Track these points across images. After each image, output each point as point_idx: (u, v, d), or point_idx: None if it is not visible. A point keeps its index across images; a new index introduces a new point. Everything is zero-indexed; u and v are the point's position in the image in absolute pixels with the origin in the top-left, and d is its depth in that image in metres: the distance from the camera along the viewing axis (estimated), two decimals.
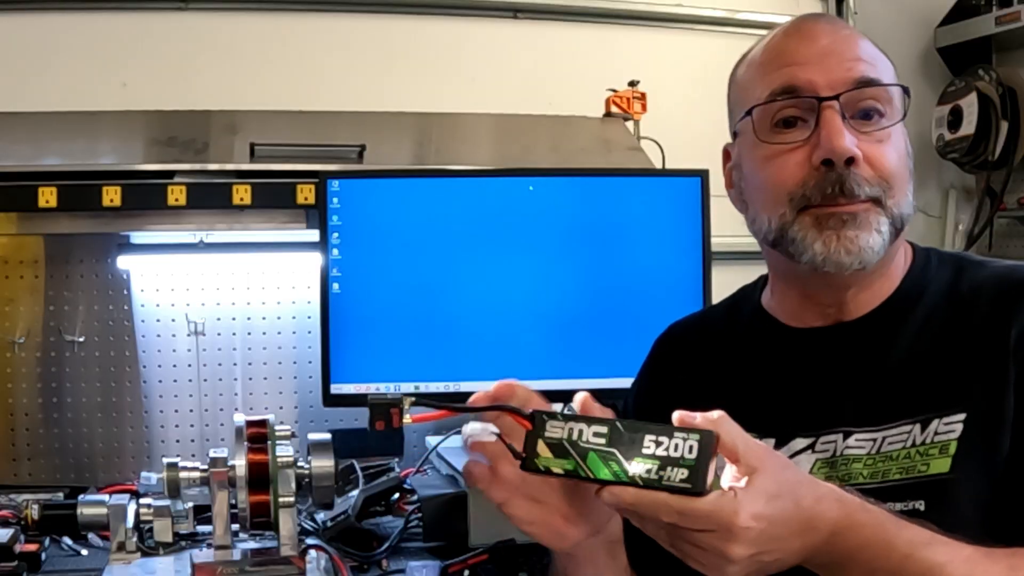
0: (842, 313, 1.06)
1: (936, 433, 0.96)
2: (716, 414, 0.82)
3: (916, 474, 0.95)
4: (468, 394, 1.90)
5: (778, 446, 1.03)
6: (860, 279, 1.03)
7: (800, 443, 1.02)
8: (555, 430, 0.84)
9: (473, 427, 0.90)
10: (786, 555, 0.82)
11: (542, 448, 0.84)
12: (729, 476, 0.81)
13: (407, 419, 0.90)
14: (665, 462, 0.80)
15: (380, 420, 0.93)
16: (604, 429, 0.83)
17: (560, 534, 0.95)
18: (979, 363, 0.97)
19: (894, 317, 1.04)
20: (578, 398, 0.89)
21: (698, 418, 0.82)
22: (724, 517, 0.78)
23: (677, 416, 0.82)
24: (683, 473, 0.79)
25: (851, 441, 1.00)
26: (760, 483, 0.80)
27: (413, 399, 0.91)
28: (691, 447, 0.80)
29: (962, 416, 0.96)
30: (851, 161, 0.98)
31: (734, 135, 1.11)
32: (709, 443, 0.80)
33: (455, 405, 0.91)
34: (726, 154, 1.14)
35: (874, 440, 0.99)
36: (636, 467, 0.81)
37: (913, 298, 1.05)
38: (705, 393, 1.11)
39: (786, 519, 0.81)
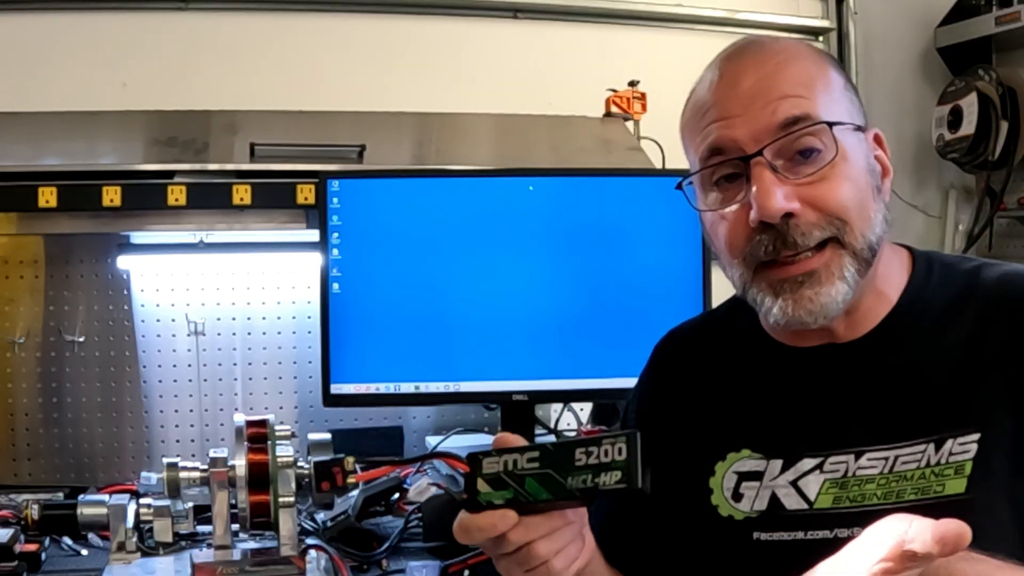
0: (833, 338, 1.04)
1: (951, 453, 0.95)
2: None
3: (932, 495, 0.94)
4: (468, 394, 1.93)
5: (786, 467, 1.01)
6: (839, 315, 1.00)
7: (808, 463, 1.01)
8: (491, 465, 0.88)
9: (416, 487, 0.96)
10: None
11: (482, 485, 0.88)
12: None
13: (351, 480, 0.97)
14: (598, 469, 0.83)
15: (325, 481, 1.00)
16: (536, 454, 0.86)
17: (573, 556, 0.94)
18: (993, 382, 0.96)
19: (896, 334, 1.02)
20: (497, 437, 0.92)
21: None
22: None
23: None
24: (616, 475, 0.83)
25: (863, 461, 0.98)
26: None
27: (353, 459, 0.96)
28: (620, 449, 0.83)
29: (976, 436, 0.94)
30: (790, 215, 0.95)
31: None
32: (635, 442, 0.83)
33: (392, 460, 0.96)
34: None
35: (886, 459, 0.97)
36: (572, 481, 0.84)
37: (917, 313, 1.03)
38: (708, 402, 1.11)
39: None
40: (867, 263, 0.98)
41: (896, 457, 0.97)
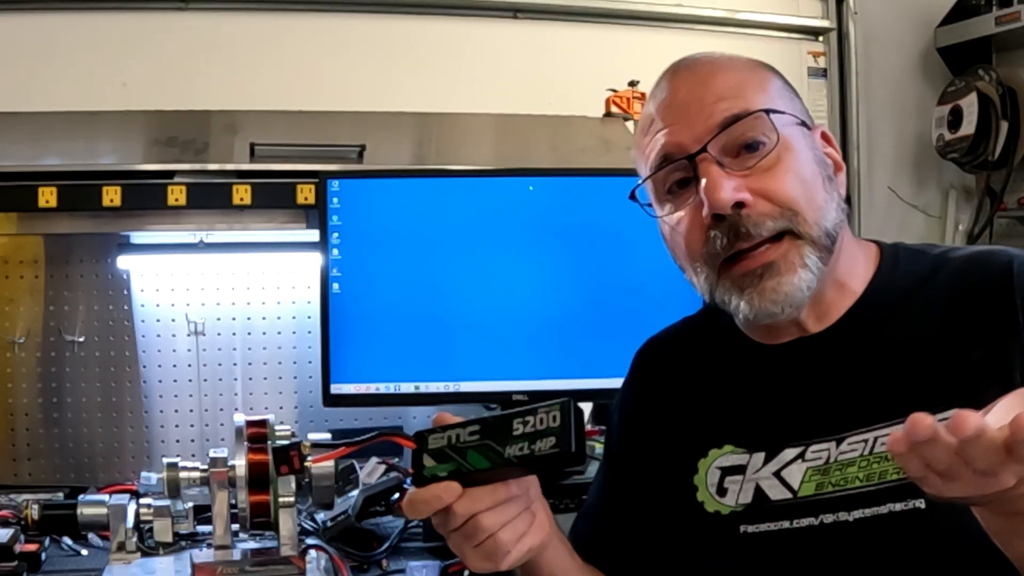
0: (803, 330, 1.06)
1: None
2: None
3: None
4: (468, 394, 1.92)
5: (768, 458, 1.03)
6: (802, 307, 1.02)
7: (790, 453, 1.02)
8: (436, 441, 0.91)
9: (365, 469, 0.98)
10: None
11: (427, 460, 0.91)
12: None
13: (308, 462, 0.99)
14: (534, 437, 0.86)
15: (283, 465, 1.02)
16: (476, 427, 0.89)
17: (523, 540, 0.94)
18: (971, 360, 0.97)
19: (863, 322, 1.04)
20: (436, 416, 0.94)
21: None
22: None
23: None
24: (551, 441, 0.85)
25: (844, 446, 0.99)
26: None
27: (311, 443, 0.97)
28: (554, 416, 0.86)
29: (952, 412, 0.95)
30: (741, 205, 0.98)
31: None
32: (568, 409, 0.85)
33: (348, 440, 0.98)
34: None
35: (866, 441, 0.98)
36: (510, 449, 0.87)
37: (883, 300, 1.04)
38: (689, 404, 1.12)
39: None
40: (827, 250, 1.01)
41: (875, 438, 0.98)
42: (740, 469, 1.04)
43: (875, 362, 1.01)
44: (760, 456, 1.03)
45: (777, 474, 1.02)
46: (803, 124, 1.04)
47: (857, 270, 1.07)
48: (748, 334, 1.11)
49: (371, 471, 0.95)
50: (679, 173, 1.03)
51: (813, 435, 1.01)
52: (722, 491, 1.05)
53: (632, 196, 1.10)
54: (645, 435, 1.15)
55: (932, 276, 1.04)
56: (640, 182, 1.08)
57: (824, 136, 1.07)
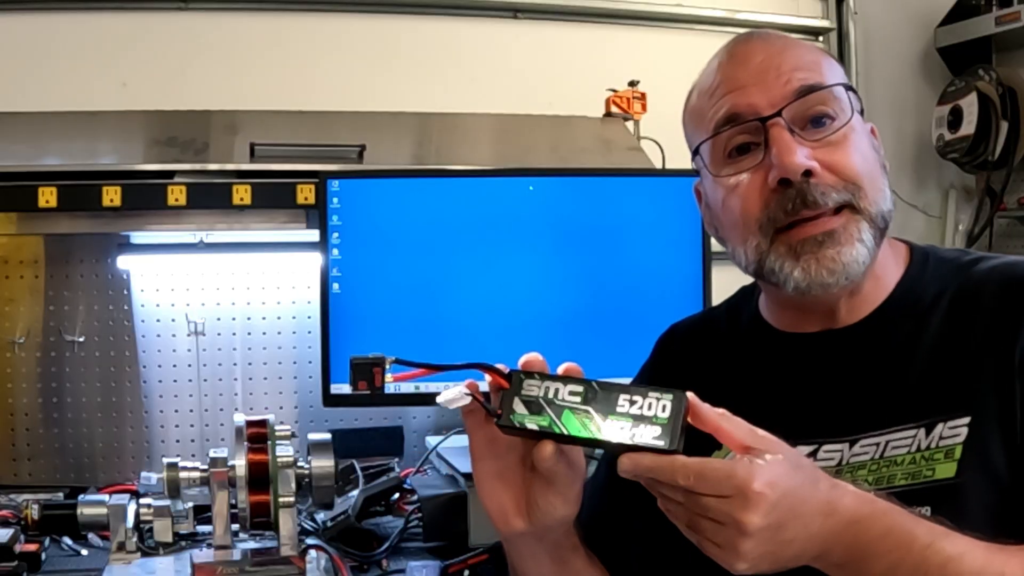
0: (834, 321, 1.05)
1: (941, 437, 0.95)
2: (720, 410, 0.83)
3: (922, 479, 0.95)
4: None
5: None
6: (849, 288, 1.02)
7: (803, 450, 1.01)
8: (532, 388, 0.87)
9: (447, 394, 0.92)
10: (805, 536, 0.81)
11: (518, 405, 0.87)
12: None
13: (388, 377, 0.93)
14: (638, 420, 0.82)
15: (362, 380, 0.95)
16: (580, 388, 0.86)
17: (505, 518, 0.96)
18: (983, 366, 0.96)
19: (891, 321, 1.04)
20: (563, 365, 0.91)
21: (705, 406, 0.83)
22: (740, 479, 0.78)
23: (689, 395, 0.83)
24: (656, 431, 0.82)
25: (856, 448, 0.99)
26: (774, 456, 0.80)
27: (394, 359, 0.93)
28: (664, 406, 0.82)
29: (967, 420, 0.95)
30: (809, 173, 0.97)
31: (697, 173, 1.11)
32: (681, 403, 0.82)
33: (435, 364, 0.94)
34: (697, 193, 1.14)
35: (877, 444, 0.98)
36: (610, 425, 0.83)
37: (911, 301, 1.04)
38: (706, 395, 1.11)
39: (804, 496, 0.80)
40: (880, 232, 1.01)
41: (887, 442, 0.98)
42: None
43: (893, 365, 1.01)
44: None
45: None
46: (861, 112, 1.05)
47: (891, 267, 1.07)
48: (773, 323, 1.10)
49: (453, 398, 0.90)
50: (744, 136, 1.01)
51: (827, 434, 1.01)
52: None
53: (695, 152, 1.07)
54: None
55: (956, 284, 1.04)
56: (704, 140, 1.05)
57: (872, 132, 1.08)
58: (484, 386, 0.92)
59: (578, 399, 0.85)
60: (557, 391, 0.86)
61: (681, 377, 1.15)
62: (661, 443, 0.81)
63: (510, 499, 0.95)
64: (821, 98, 1.00)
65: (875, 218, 0.99)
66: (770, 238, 1.00)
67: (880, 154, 1.05)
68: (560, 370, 0.91)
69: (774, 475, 0.78)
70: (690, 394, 0.84)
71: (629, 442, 0.82)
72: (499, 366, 0.90)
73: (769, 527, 0.78)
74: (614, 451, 0.85)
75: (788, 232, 0.99)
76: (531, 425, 0.86)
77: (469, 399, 0.91)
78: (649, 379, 1.21)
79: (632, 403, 0.83)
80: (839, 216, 0.98)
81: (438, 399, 0.92)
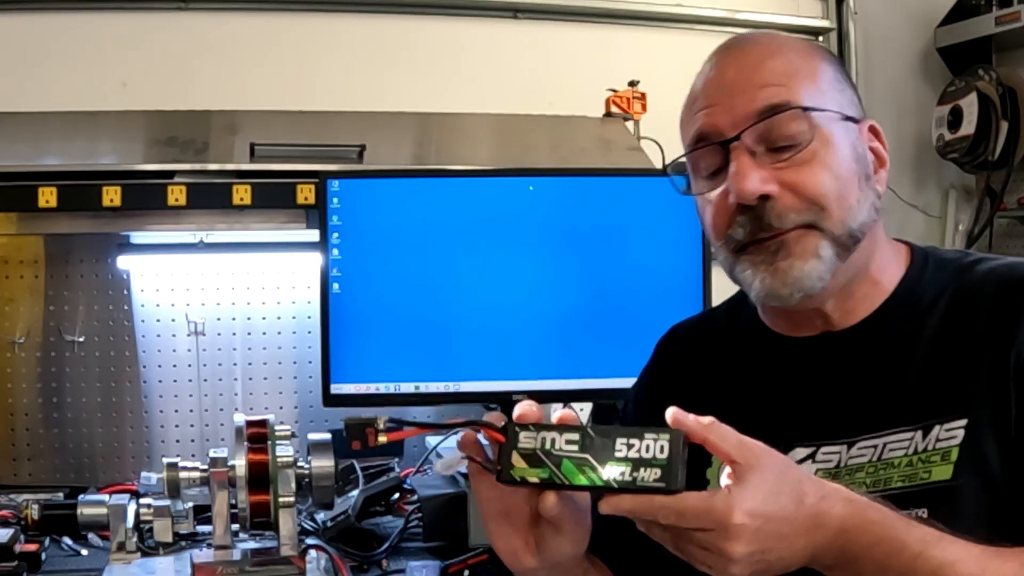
0: (829, 324, 1.05)
1: (938, 440, 0.95)
2: (707, 419, 0.82)
3: (918, 482, 0.95)
4: (468, 394, 1.92)
5: None
6: (830, 295, 1.02)
7: (801, 452, 1.02)
8: (528, 440, 0.86)
9: (444, 461, 0.92)
10: (791, 554, 0.82)
11: (516, 459, 0.86)
12: (725, 477, 0.82)
13: (382, 439, 0.93)
14: (638, 463, 0.82)
15: (356, 440, 0.95)
16: (576, 436, 0.85)
17: (516, 557, 0.95)
18: (980, 368, 0.96)
19: (889, 323, 1.03)
20: (520, 407, 0.90)
21: (690, 418, 0.83)
22: (719, 514, 0.79)
23: (670, 413, 0.83)
24: (656, 473, 0.81)
25: (854, 451, 0.99)
26: (755, 480, 0.80)
27: (387, 418, 0.93)
28: (662, 447, 0.82)
29: (963, 422, 0.95)
30: (767, 197, 0.97)
31: None
32: (679, 442, 0.81)
33: (428, 422, 0.93)
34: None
35: (875, 447, 0.98)
36: (610, 471, 0.83)
37: (910, 303, 1.04)
38: (705, 398, 1.11)
39: (787, 516, 0.81)
40: (846, 248, 1.00)
41: (884, 445, 0.98)
42: None
43: (891, 366, 1.01)
44: None
45: None
46: (849, 119, 1.02)
47: (890, 269, 1.06)
48: (772, 326, 1.11)
49: (451, 464, 0.90)
50: (711, 157, 1.02)
51: (825, 436, 1.01)
52: None
53: (664, 170, 1.10)
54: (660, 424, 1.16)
55: (955, 285, 1.03)
56: (678, 157, 1.07)
57: (872, 129, 1.05)
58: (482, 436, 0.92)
59: (575, 447, 0.84)
60: (554, 441, 0.85)
61: (681, 379, 1.16)
62: (663, 485, 0.81)
63: (519, 539, 0.94)
64: (784, 119, 0.98)
65: (839, 237, 0.99)
66: (734, 252, 1.02)
67: (868, 160, 1.03)
68: (555, 419, 0.91)
69: (754, 504, 0.79)
70: (673, 410, 0.84)
71: (632, 487, 0.82)
72: (493, 417, 0.90)
73: (753, 553, 0.80)
74: (619, 493, 0.85)
75: (748, 248, 1.01)
76: (532, 479, 0.86)
77: (467, 462, 0.91)
78: (650, 382, 1.22)
79: (630, 447, 0.83)
80: (795, 231, 0.99)
81: (436, 468, 0.93)
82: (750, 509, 0.79)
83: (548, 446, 0.85)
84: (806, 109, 0.98)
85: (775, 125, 0.98)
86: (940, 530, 0.86)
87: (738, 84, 1.00)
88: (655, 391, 1.19)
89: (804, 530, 0.82)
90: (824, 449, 1.01)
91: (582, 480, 0.83)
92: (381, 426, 0.92)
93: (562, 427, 0.86)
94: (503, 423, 0.88)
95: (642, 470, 0.82)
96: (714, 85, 1.03)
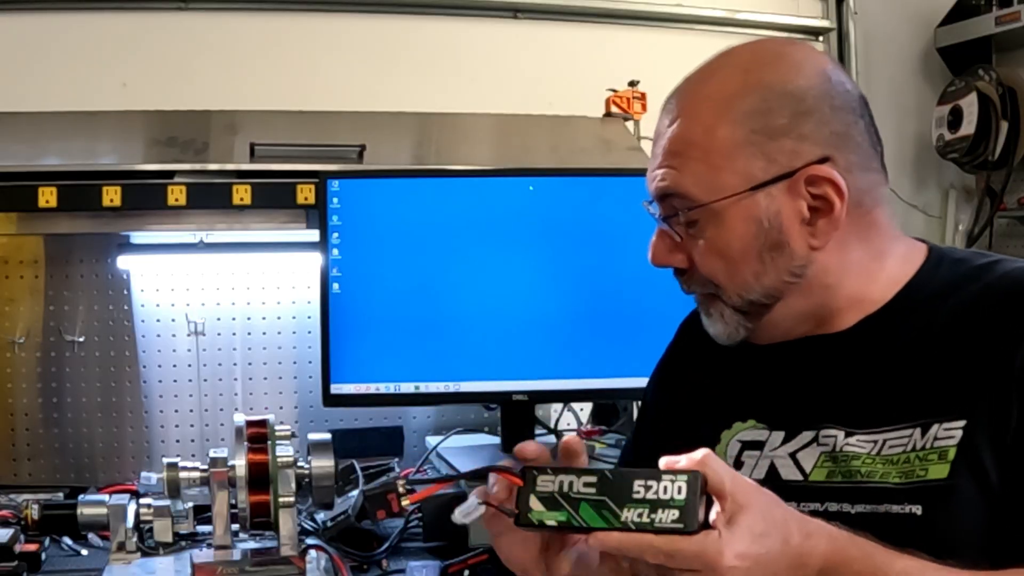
0: (830, 327, 1.06)
1: (936, 438, 0.96)
2: (700, 454, 0.83)
3: (915, 479, 0.95)
4: (468, 394, 1.92)
5: (787, 439, 1.05)
6: (795, 321, 1.05)
7: (806, 436, 1.03)
8: (546, 484, 0.87)
9: (462, 509, 0.93)
10: None
11: (534, 503, 0.87)
12: (715, 514, 0.83)
13: (405, 502, 0.94)
14: (656, 505, 0.82)
15: (380, 509, 0.96)
16: (593, 479, 0.86)
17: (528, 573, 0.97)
18: (982, 371, 0.96)
19: (895, 322, 1.04)
20: (564, 440, 0.95)
21: (682, 460, 0.84)
22: (709, 557, 0.80)
23: (663, 462, 0.85)
24: (674, 514, 0.82)
25: (852, 440, 1.00)
26: (746, 521, 0.81)
27: (404, 481, 0.94)
28: (680, 488, 0.82)
29: (962, 423, 0.95)
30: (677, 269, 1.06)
31: None
32: (696, 483, 0.82)
33: (448, 475, 0.95)
34: None
35: (875, 442, 0.99)
36: (628, 513, 0.83)
37: (916, 303, 1.04)
38: (721, 373, 1.15)
39: (774, 557, 0.83)
40: (754, 312, 1.04)
41: (884, 441, 0.99)
42: (759, 445, 1.06)
43: (894, 364, 1.02)
44: (779, 435, 1.05)
45: (792, 455, 1.04)
46: (763, 185, 0.99)
47: (880, 278, 1.06)
48: None
49: (469, 512, 0.92)
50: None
51: (823, 420, 1.03)
52: (738, 464, 1.07)
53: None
54: (675, 401, 1.19)
55: (964, 286, 1.03)
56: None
57: (812, 179, 0.99)
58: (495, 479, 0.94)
59: (593, 490, 0.85)
60: (572, 484, 0.86)
61: (698, 356, 1.19)
62: (680, 526, 0.81)
63: (531, 561, 0.96)
64: (676, 202, 1.04)
65: (740, 306, 1.04)
66: None
67: (778, 226, 1.00)
68: (561, 445, 0.93)
69: (744, 546, 0.81)
70: (665, 459, 0.85)
71: (650, 528, 0.83)
72: (507, 463, 0.92)
73: None
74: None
75: None
76: (550, 521, 0.87)
77: (484, 508, 0.92)
78: (668, 360, 1.25)
79: (647, 488, 0.83)
80: (702, 296, 1.07)
81: (454, 517, 0.93)
82: (740, 552, 0.80)
83: (566, 489, 0.86)
84: (678, 211, 1.03)
85: (668, 208, 1.05)
86: (924, 559, 0.87)
87: (658, 142, 1.07)
88: (675, 368, 1.24)
89: (788, 569, 0.84)
90: (824, 431, 1.02)
91: (600, 522, 0.84)
92: (401, 490, 0.94)
93: (580, 470, 0.87)
94: (520, 468, 0.89)
95: (660, 511, 0.82)
96: (655, 133, 1.09)
